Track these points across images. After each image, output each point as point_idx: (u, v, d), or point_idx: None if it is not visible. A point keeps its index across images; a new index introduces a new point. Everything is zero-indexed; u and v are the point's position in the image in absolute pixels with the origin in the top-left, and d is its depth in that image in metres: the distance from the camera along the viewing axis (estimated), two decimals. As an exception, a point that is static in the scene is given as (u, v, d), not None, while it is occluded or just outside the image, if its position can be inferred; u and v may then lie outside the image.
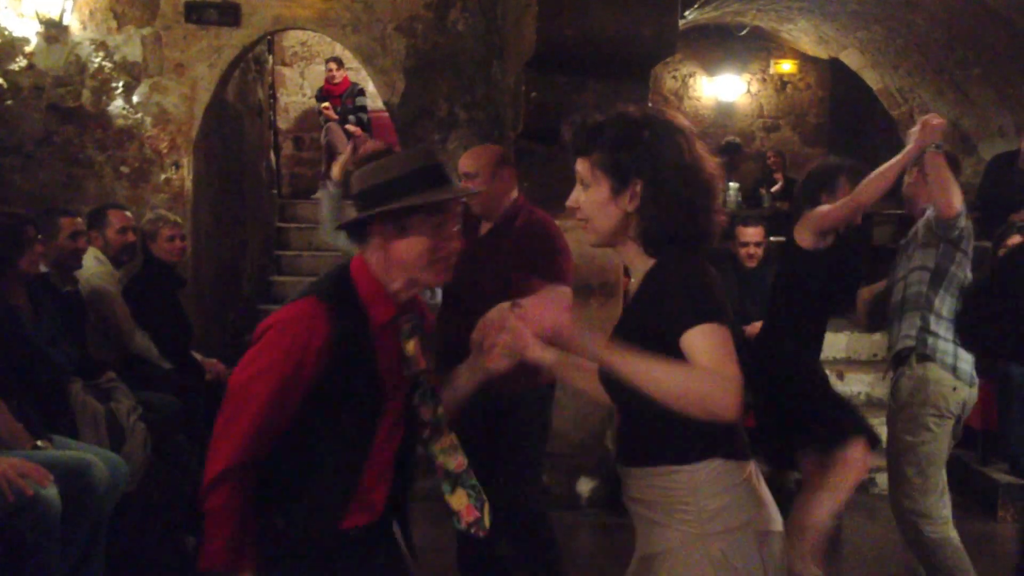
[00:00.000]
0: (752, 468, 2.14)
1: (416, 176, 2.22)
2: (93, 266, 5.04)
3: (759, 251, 6.06)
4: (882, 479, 6.28)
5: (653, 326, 2.03)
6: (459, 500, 2.33)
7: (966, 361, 4.01)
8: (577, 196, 2.20)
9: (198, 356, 5.56)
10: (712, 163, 2.20)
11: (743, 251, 6.06)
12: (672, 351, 1.97)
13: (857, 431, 4.20)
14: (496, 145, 4.73)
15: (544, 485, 4.44)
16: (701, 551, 2.04)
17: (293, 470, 2.23)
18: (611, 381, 2.06)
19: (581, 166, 2.18)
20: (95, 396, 4.35)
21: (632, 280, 2.31)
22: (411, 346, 2.29)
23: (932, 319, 4.01)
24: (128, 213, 5.36)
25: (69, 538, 3.55)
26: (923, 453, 4.00)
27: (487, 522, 2.34)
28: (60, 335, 4.35)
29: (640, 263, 2.18)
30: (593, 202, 2.16)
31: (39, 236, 4.31)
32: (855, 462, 4.16)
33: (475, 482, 2.34)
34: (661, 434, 2.08)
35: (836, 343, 7.46)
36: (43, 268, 4.47)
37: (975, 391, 4.05)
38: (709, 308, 1.99)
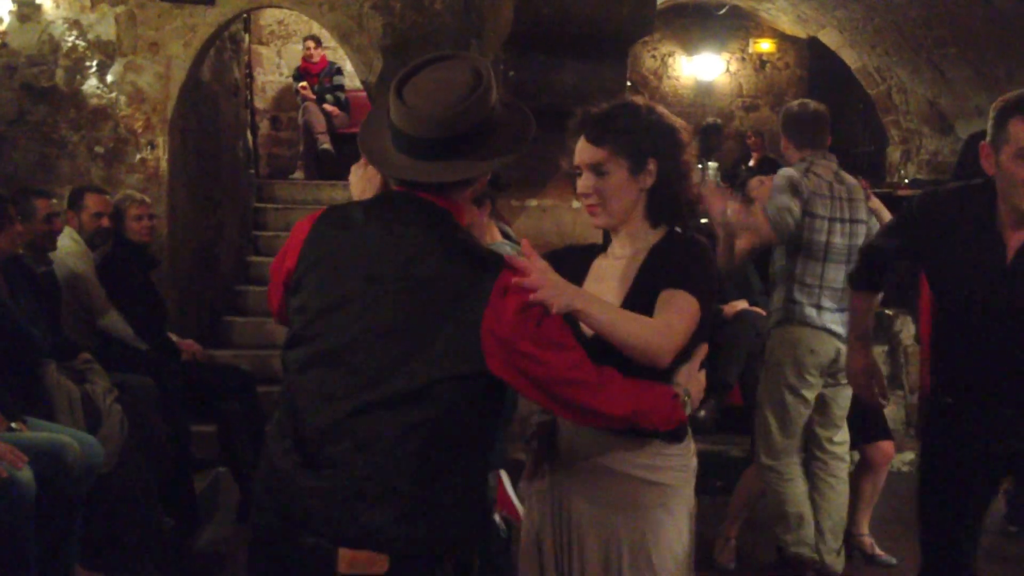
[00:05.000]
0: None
1: None
2: (69, 245, 5.01)
3: (737, 231, 6.08)
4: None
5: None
6: None
7: (837, 322, 4.32)
8: (588, 183, 2.35)
9: (174, 337, 5.54)
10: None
11: (721, 231, 6.07)
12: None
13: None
14: None
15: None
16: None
17: None
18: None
19: (595, 155, 2.33)
20: (70, 378, 4.32)
21: (620, 255, 2.44)
22: None
23: (796, 288, 4.31)
24: (107, 198, 5.31)
25: (44, 520, 3.54)
26: (779, 412, 4.41)
27: None
28: (35, 316, 4.32)
29: (644, 239, 2.38)
30: (613, 185, 2.33)
31: (18, 216, 4.28)
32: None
33: None
34: None
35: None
36: (19, 249, 4.44)
37: None
38: (700, 284, 2.22)
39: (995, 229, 2.83)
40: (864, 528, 4.89)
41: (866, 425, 4.76)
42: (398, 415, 1.89)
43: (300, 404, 1.99)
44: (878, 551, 4.84)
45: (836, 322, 4.31)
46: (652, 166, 2.31)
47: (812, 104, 4.52)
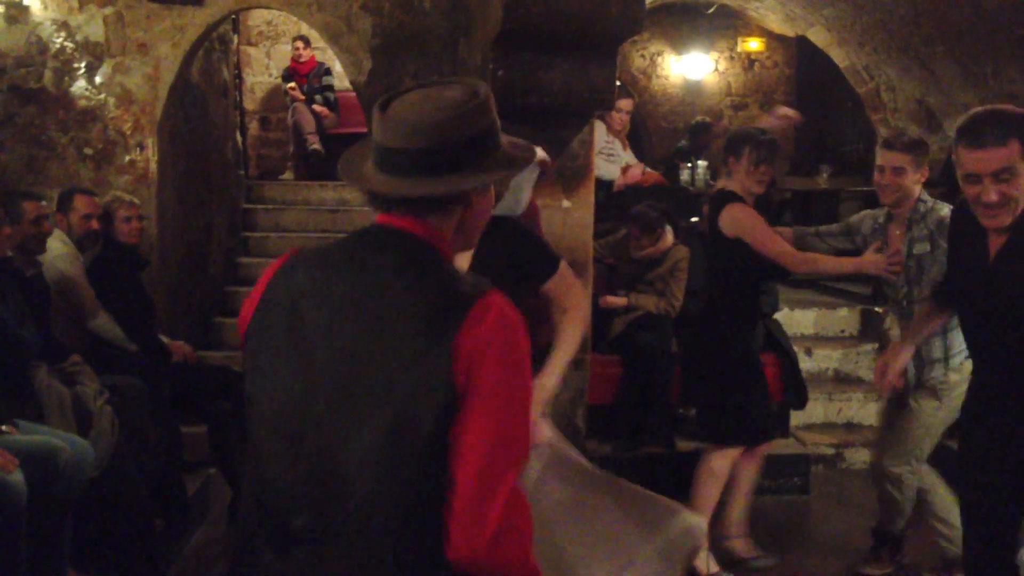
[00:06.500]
0: None
1: None
2: (58, 248, 5.00)
3: (727, 229, 6.07)
4: (851, 454, 6.37)
5: None
6: None
7: None
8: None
9: (164, 338, 5.53)
10: None
11: (711, 229, 6.08)
12: None
13: (744, 437, 4.63)
14: None
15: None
16: None
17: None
18: None
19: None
20: (61, 380, 4.31)
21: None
22: None
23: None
24: (96, 199, 5.30)
25: (35, 523, 3.53)
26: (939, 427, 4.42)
27: None
28: (25, 319, 4.31)
29: None
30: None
31: (6, 218, 4.26)
32: (717, 470, 4.61)
33: None
34: None
35: (804, 320, 7.51)
36: (7, 252, 4.43)
37: None
38: None
39: (984, 232, 3.02)
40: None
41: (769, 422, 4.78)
42: (366, 473, 1.66)
43: (256, 472, 1.80)
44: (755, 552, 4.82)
45: None
46: None
47: None
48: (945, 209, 4.18)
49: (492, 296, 1.70)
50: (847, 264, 4.53)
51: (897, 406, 4.46)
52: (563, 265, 3.33)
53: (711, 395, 4.61)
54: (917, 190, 4.29)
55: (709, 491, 4.59)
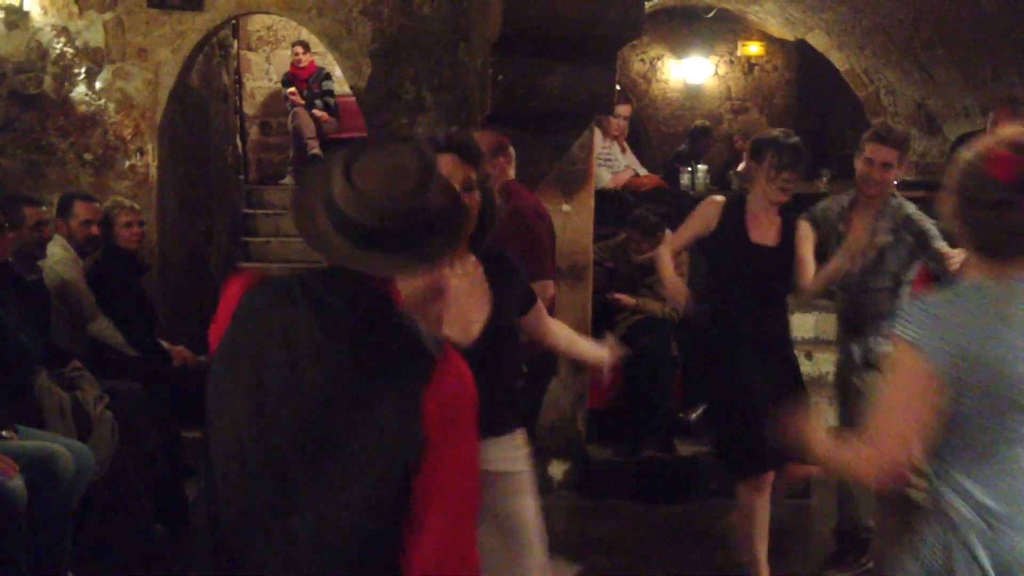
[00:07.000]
0: None
1: None
2: (58, 253, 5.00)
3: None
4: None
5: None
6: None
7: None
8: None
9: (165, 343, 5.53)
10: None
11: (712, 234, 6.07)
12: None
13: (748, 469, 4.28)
14: (494, 133, 4.51)
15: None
16: None
17: None
18: None
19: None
20: (61, 385, 4.32)
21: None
22: None
23: None
24: (97, 205, 5.30)
25: (35, 528, 3.53)
26: None
27: None
28: (25, 324, 4.31)
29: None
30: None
31: (7, 224, 4.27)
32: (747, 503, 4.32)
33: None
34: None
35: (804, 323, 7.50)
36: (8, 257, 4.43)
37: None
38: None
39: None
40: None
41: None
42: (328, 518, 1.74)
43: (208, 492, 1.86)
44: None
45: None
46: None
47: None
48: (911, 207, 4.39)
49: (452, 356, 1.81)
50: (667, 281, 4.48)
51: (844, 393, 4.55)
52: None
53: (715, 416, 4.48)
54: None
55: (740, 527, 4.38)
